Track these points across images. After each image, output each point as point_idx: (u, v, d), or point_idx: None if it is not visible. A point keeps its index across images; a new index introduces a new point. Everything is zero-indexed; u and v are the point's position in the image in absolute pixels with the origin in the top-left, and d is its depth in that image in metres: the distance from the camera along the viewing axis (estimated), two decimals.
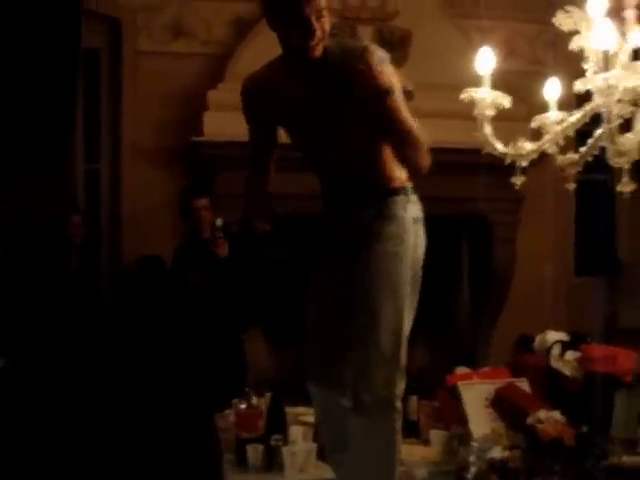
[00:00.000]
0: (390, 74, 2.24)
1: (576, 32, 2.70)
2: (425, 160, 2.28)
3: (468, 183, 5.08)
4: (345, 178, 2.40)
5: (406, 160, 2.30)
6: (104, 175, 5.35)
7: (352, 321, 2.34)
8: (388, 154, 2.35)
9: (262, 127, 2.49)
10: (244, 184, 2.60)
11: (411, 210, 2.38)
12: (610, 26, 2.28)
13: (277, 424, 2.97)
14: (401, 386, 2.37)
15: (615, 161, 2.26)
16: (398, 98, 2.24)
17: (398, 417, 2.36)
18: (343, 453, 2.45)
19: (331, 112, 2.30)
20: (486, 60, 2.67)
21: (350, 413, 2.36)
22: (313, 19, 2.17)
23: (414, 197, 2.41)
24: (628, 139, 2.29)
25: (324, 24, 2.21)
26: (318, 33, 2.20)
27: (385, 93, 2.20)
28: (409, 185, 2.40)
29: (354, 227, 2.38)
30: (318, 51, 2.24)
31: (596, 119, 2.59)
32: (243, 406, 3.18)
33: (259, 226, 2.54)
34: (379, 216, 2.35)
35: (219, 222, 4.41)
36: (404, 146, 2.27)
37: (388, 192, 2.36)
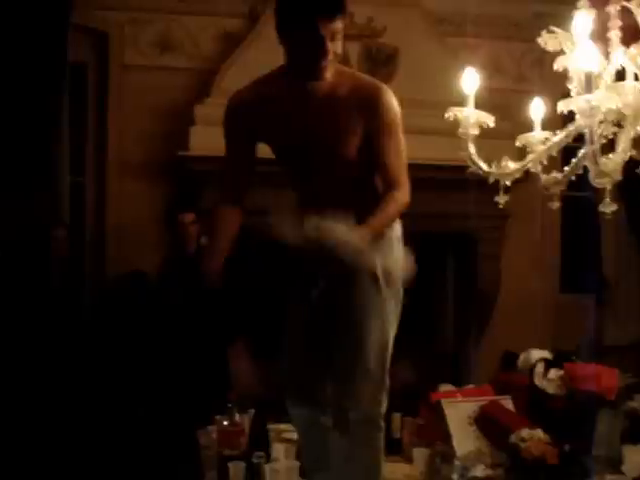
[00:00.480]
0: (396, 115, 2.32)
1: (562, 52, 2.72)
2: (405, 199, 2.34)
3: (453, 200, 5.09)
4: (328, 201, 2.37)
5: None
6: (89, 188, 5.33)
7: (337, 339, 2.33)
8: (371, 187, 2.40)
9: (245, 147, 2.46)
10: (212, 214, 2.58)
11: (396, 229, 2.43)
12: (593, 47, 2.30)
13: (260, 441, 2.96)
14: (385, 404, 2.38)
15: (598, 182, 2.27)
16: (394, 140, 2.31)
17: (381, 435, 2.38)
18: (325, 473, 2.44)
19: (325, 136, 2.30)
20: (471, 80, 2.68)
21: (331, 432, 2.36)
22: (328, 40, 2.17)
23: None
24: (611, 160, 2.30)
25: (337, 47, 2.22)
26: (330, 55, 2.19)
27: (386, 130, 2.28)
28: None
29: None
30: (328, 73, 2.24)
31: (582, 137, 2.61)
32: (225, 423, 3.15)
33: (209, 282, 2.51)
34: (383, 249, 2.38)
35: (204, 240, 4.39)
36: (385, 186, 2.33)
37: None
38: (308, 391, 2.44)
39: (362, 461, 2.35)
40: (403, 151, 2.35)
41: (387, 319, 2.37)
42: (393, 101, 2.32)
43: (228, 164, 2.49)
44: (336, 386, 2.39)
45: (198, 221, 4.54)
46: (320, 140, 2.31)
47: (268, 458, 2.92)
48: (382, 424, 2.39)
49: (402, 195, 2.32)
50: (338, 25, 2.19)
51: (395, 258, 2.40)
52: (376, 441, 2.37)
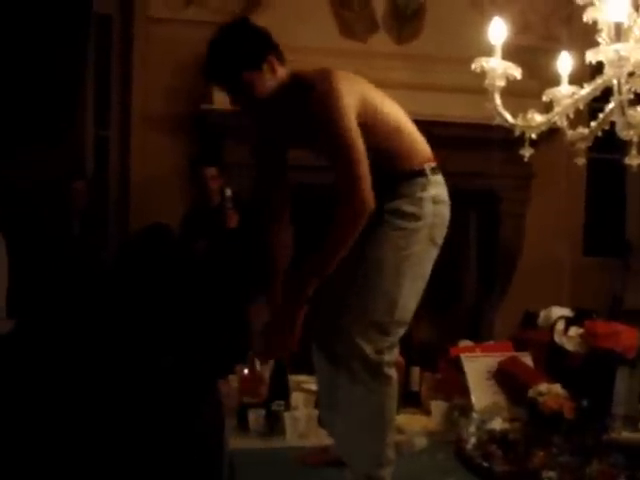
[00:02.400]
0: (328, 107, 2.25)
1: (591, 4, 2.68)
2: (351, 218, 2.22)
3: (479, 158, 5.06)
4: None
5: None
6: (113, 142, 5.34)
7: (352, 283, 2.33)
8: (404, 138, 2.39)
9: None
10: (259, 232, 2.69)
11: (431, 190, 2.38)
12: None
13: (280, 391, 2.99)
14: (391, 355, 2.35)
15: (624, 134, 2.25)
16: (331, 138, 2.26)
17: (388, 383, 2.34)
18: (332, 412, 2.46)
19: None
20: (498, 30, 2.65)
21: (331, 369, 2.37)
22: (230, 94, 2.37)
23: (436, 178, 2.41)
24: (638, 112, 2.27)
25: (257, 91, 2.34)
26: (241, 99, 2.37)
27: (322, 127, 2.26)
28: (430, 166, 2.40)
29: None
30: (261, 95, 2.35)
31: (608, 96, 2.58)
32: (246, 372, 3.19)
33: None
34: (395, 196, 2.36)
35: (228, 192, 4.39)
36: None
37: (405, 175, 2.37)
38: (320, 329, 2.44)
39: (367, 407, 2.31)
40: (344, 136, 2.23)
41: (407, 272, 2.33)
42: (334, 96, 2.25)
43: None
44: (324, 318, 2.38)
45: (221, 175, 4.56)
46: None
47: (288, 407, 2.96)
48: (388, 372, 2.33)
49: (346, 210, 2.21)
50: (243, 79, 2.33)
51: (429, 219, 2.36)
52: (382, 387, 2.32)
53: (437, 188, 2.41)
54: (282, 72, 2.40)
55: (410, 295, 2.37)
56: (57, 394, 3.92)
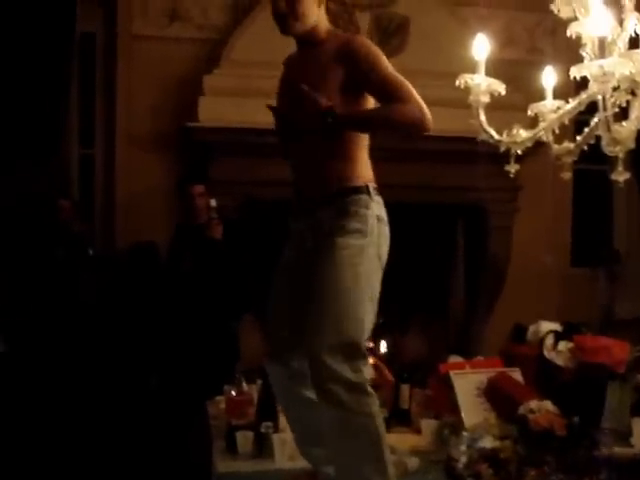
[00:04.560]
0: (378, 56, 2.29)
1: (575, 19, 2.68)
2: (418, 128, 2.25)
3: (465, 171, 5.06)
4: (308, 175, 2.42)
5: (400, 137, 2.33)
6: (99, 160, 5.32)
7: (308, 309, 2.29)
8: (351, 153, 2.38)
9: None
10: None
11: (374, 209, 2.37)
12: (607, 13, 2.25)
13: (268, 411, 2.95)
14: (367, 371, 2.31)
15: (610, 150, 2.24)
16: (385, 73, 2.27)
17: (374, 402, 2.30)
18: (316, 448, 2.42)
19: (302, 102, 2.29)
20: (482, 46, 2.64)
21: (316, 405, 2.32)
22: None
23: (378, 198, 2.40)
24: (624, 128, 2.26)
25: (300, 5, 2.33)
26: (280, 9, 2.35)
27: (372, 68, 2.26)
28: (373, 186, 2.40)
29: (317, 223, 2.38)
30: (291, 29, 2.38)
31: (594, 109, 2.57)
32: (234, 393, 3.16)
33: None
34: (341, 213, 2.34)
35: (213, 203, 4.38)
36: (385, 132, 2.34)
37: (349, 190, 2.36)
38: (287, 362, 2.42)
39: (357, 431, 2.26)
40: (401, 83, 2.28)
41: (363, 290, 2.30)
42: (370, 45, 2.32)
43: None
44: (293, 335, 2.35)
45: (208, 193, 4.52)
46: (296, 107, 2.32)
47: (276, 428, 2.92)
48: (368, 389, 2.28)
49: (406, 105, 2.25)
50: None
51: (374, 237, 2.35)
52: (367, 407, 2.26)
53: (379, 208, 2.40)
54: (322, 15, 2.41)
55: (370, 312, 2.34)
56: (45, 415, 3.88)
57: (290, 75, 2.48)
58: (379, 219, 2.37)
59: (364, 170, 2.41)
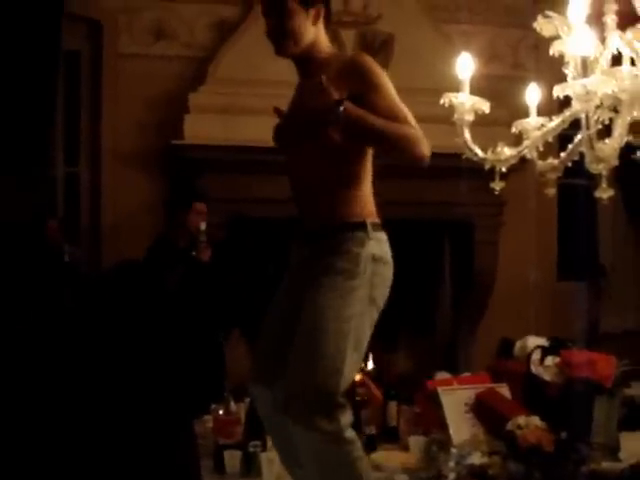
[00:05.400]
0: (382, 77, 2.24)
1: (557, 37, 2.70)
2: (415, 152, 2.18)
3: (450, 187, 5.08)
4: (308, 206, 2.35)
5: (396, 157, 2.21)
6: (84, 178, 5.30)
7: (293, 344, 2.24)
8: (350, 189, 2.29)
9: None
10: None
11: (370, 247, 2.25)
12: (589, 32, 2.28)
13: (255, 430, 2.94)
14: (346, 418, 2.21)
15: (593, 167, 2.25)
16: (388, 98, 2.22)
17: (353, 448, 2.21)
18: (300, 469, 2.36)
19: (303, 129, 2.26)
20: (465, 65, 2.66)
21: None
22: (272, 15, 2.29)
23: (378, 234, 2.29)
24: (607, 145, 2.28)
25: (291, 24, 2.27)
26: (275, 28, 2.29)
27: (375, 89, 2.20)
28: (372, 221, 2.29)
29: (310, 257, 2.31)
30: (284, 50, 2.31)
31: (577, 124, 2.59)
32: (221, 412, 3.15)
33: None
34: (332, 250, 2.25)
35: (203, 226, 4.35)
36: (383, 146, 2.24)
37: (345, 227, 2.27)
38: (265, 375, 2.37)
39: (328, 473, 2.20)
40: (404, 109, 2.22)
41: (348, 336, 2.20)
42: (375, 65, 2.26)
43: None
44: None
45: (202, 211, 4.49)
46: (298, 133, 2.28)
47: (264, 447, 2.91)
48: (349, 435, 2.18)
49: (409, 127, 2.19)
50: (288, 3, 2.27)
51: (367, 277, 2.24)
52: (347, 455, 2.18)
53: (379, 246, 2.28)
54: (321, 34, 2.35)
55: (353, 361, 2.23)
56: (31, 434, 3.85)
57: (296, 97, 2.42)
58: (375, 258, 2.25)
59: (365, 205, 2.31)
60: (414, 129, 2.19)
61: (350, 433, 2.21)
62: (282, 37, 2.29)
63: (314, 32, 2.33)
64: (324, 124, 2.18)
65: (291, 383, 2.20)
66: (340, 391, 2.19)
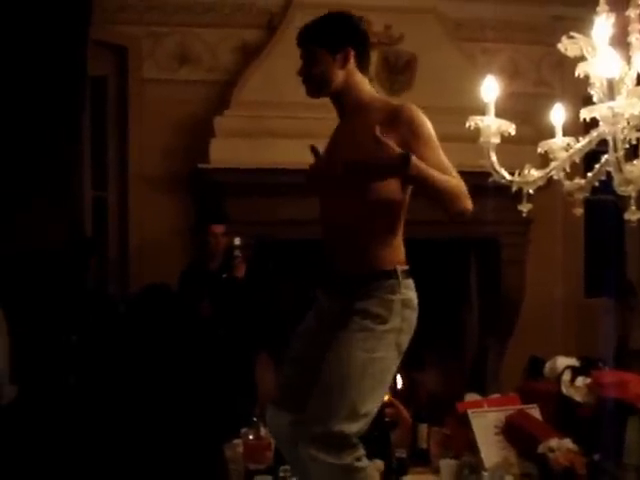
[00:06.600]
0: (431, 131, 2.26)
1: (582, 57, 2.70)
2: (461, 205, 2.24)
3: (477, 206, 5.04)
4: (342, 253, 2.36)
5: (442, 209, 2.25)
6: (112, 202, 5.36)
7: (316, 392, 2.25)
8: (386, 237, 2.32)
9: None
10: None
11: (401, 293, 2.30)
12: (614, 54, 2.27)
13: None
14: (357, 451, 2.22)
15: (622, 189, 2.24)
16: (436, 152, 2.25)
17: (362, 475, 2.22)
18: None
19: (346, 177, 2.25)
20: (490, 88, 2.66)
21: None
22: (302, 58, 2.36)
23: (407, 281, 2.33)
24: (635, 167, 2.27)
25: (314, 70, 2.33)
26: (303, 74, 2.35)
27: (424, 142, 2.22)
28: (401, 269, 2.33)
29: (343, 301, 2.32)
30: (311, 92, 2.37)
31: (604, 141, 2.58)
32: (251, 437, 3.15)
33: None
34: (366, 296, 2.28)
35: (237, 241, 4.35)
36: (436, 199, 2.24)
37: (379, 274, 2.30)
38: (285, 404, 2.38)
39: None
40: (447, 160, 2.27)
41: (372, 379, 2.24)
42: (423, 116, 2.28)
43: None
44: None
45: (228, 231, 4.51)
46: (333, 174, 2.29)
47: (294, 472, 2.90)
48: (355, 466, 2.19)
49: (458, 181, 2.24)
50: (314, 50, 2.34)
51: (397, 322, 2.27)
52: None
53: (408, 292, 2.32)
54: (354, 76, 2.37)
55: (373, 402, 2.25)
56: (57, 464, 3.87)
57: (337, 138, 2.42)
58: (404, 304, 2.29)
59: (397, 252, 2.34)
60: (462, 182, 2.24)
61: (361, 464, 2.23)
62: (307, 81, 2.37)
63: (343, 75, 2.35)
64: (384, 176, 2.21)
65: (310, 419, 2.21)
66: (356, 434, 2.22)
